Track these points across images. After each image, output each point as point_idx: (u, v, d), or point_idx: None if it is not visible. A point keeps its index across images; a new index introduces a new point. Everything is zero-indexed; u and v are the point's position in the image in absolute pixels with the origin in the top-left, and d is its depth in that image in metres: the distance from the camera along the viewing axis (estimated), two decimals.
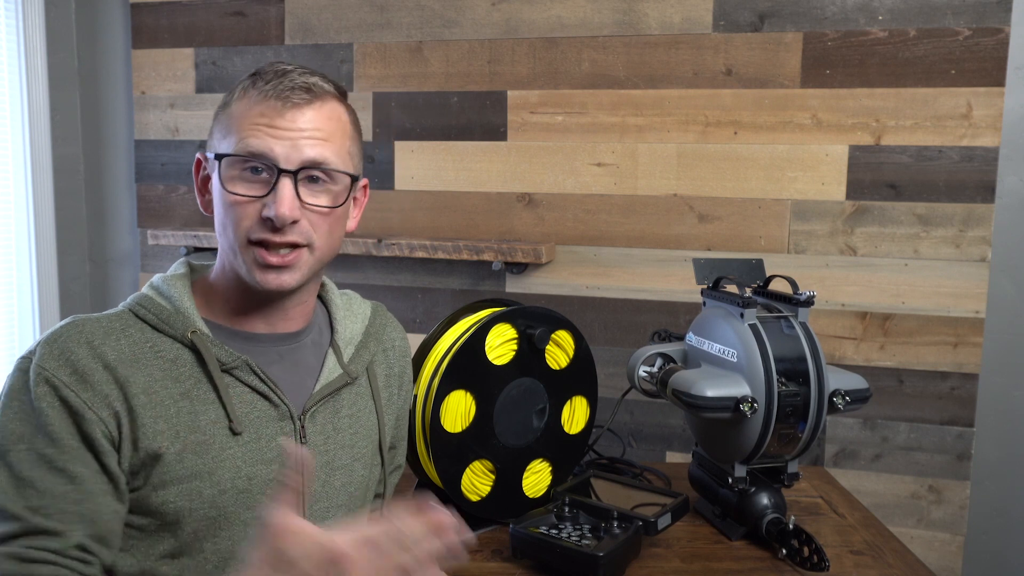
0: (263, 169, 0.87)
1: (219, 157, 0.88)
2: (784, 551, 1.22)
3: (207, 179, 0.95)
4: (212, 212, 0.93)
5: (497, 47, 2.08)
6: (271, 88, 0.87)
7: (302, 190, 0.88)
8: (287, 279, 0.89)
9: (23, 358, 0.84)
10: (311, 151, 0.87)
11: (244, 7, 2.24)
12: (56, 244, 2.32)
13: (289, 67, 0.90)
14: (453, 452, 1.25)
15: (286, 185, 0.86)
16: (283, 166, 0.86)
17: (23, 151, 2.22)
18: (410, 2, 2.12)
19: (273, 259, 0.87)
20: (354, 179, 0.93)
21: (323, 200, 0.90)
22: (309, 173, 0.88)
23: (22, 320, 2.27)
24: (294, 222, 0.87)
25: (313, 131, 0.88)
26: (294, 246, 0.88)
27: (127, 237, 2.47)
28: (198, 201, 0.97)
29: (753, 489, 1.28)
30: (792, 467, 1.31)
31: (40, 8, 2.23)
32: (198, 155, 0.96)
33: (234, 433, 0.88)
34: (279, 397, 0.91)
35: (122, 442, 0.83)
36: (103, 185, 2.46)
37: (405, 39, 2.14)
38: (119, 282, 2.49)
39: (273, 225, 0.86)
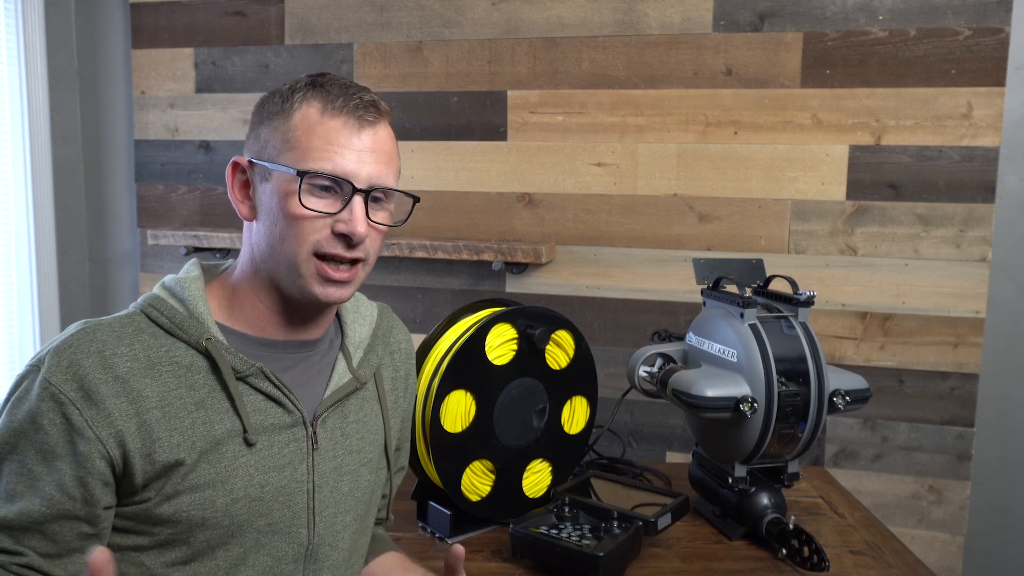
0: (335, 187, 0.88)
1: (301, 174, 0.87)
2: (784, 551, 1.22)
3: (246, 184, 0.93)
4: (254, 218, 0.92)
5: (497, 47, 2.08)
6: (342, 104, 0.88)
7: (368, 208, 0.90)
8: (346, 292, 0.91)
9: (32, 364, 0.84)
10: (379, 172, 0.90)
11: (244, 7, 2.24)
12: (56, 244, 2.32)
13: (346, 81, 0.91)
14: (453, 452, 1.25)
15: (360, 204, 0.88)
16: (358, 185, 0.88)
17: (23, 151, 2.22)
18: (410, 2, 2.12)
19: (338, 275, 0.89)
20: (415, 200, 0.98)
21: (383, 218, 0.92)
22: (376, 194, 0.90)
23: (22, 320, 2.27)
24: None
25: (380, 152, 0.90)
26: (355, 261, 0.91)
27: (127, 237, 2.47)
28: (237, 208, 0.94)
29: (753, 489, 1.28)
30: (792, 467, 1.31)
31: (40, 8, 2.23)
32: (236, 159, 0.93)
33: (248, 444, 0.88)
34: (293, 403, 0.92)
35: (130, 460, 0.82)
36: (103, 185, 2.46)
37: (405, 39, 2.14)
38: (119, 282, 2.49)
39: (349, 241, 0.88)
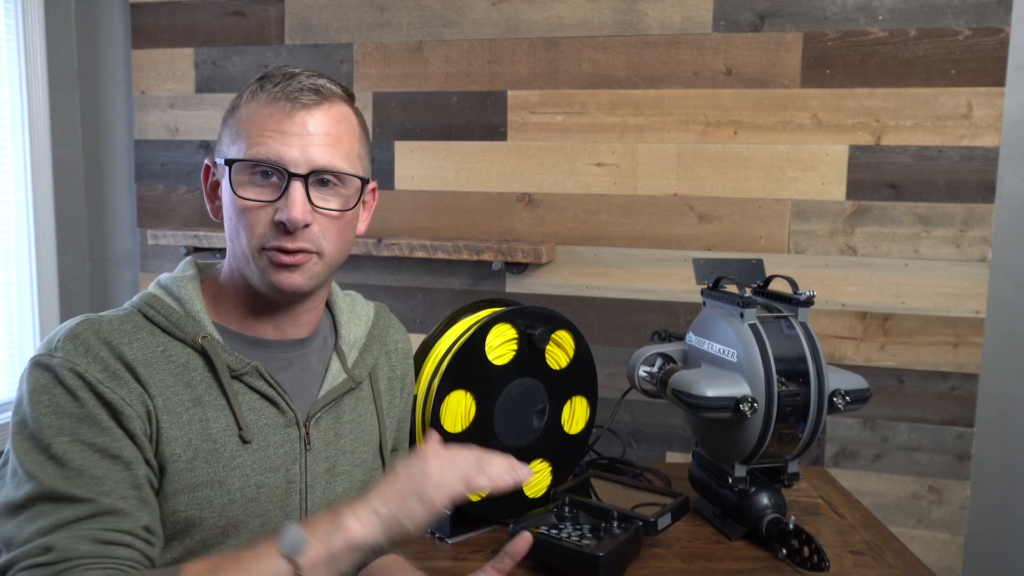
0: (273, 173, 0.86)
1: (229, 163, 0.86)
2: (784, 551, 1.22)
3: (216, 185, 0.93)
4: (222, 218, 0.92)
5: (497, 47, 2.08)
6: (279, 90, 0.86)
7: (313, 193, 0.87)
8: (299, 279, 0.88)
9: (42, 355, 0.81)
10: (321, 155, 0.86)
11: (244, 7, 2.24)
12: (56, 244, 2.31)
13: (296, 70, 0.89)
14: None
15: (297, 189, 0.85)
16: (293, 170, 0.85)
17: (23, 151, 2.22)
18: (410, 2, 2.12)
19: (287, 258, 0.86)
20: (364, 182, 0.93)
21: (334, 203, 0.89)
22: (320, 177, 0.87)
23: (22, 320, 2.27)
24: (306, 226, 0.86)
25: (323, 135, 0.87)
26: (304, 252, 0.88)
27: (127, 237, 2.47)
28: (208, 208, 0.95)
29: (753, 489, 1.28)
30: (792, 467, 1.31)
31: (40, 8, 2.23)
32: (207, 161, 0.94)
33: (244, 442, 0.87)
34: (287, 403, 0.91)
35: (151, 442, 0.82)
36: (103, 185, 2.46)
37: (405, 39, 2.14)
38: (119, 282, 2.49)
39: (285, 229, 0.85)
